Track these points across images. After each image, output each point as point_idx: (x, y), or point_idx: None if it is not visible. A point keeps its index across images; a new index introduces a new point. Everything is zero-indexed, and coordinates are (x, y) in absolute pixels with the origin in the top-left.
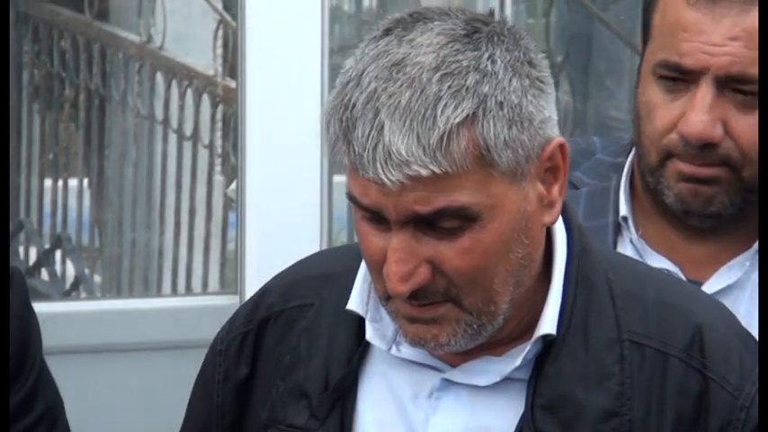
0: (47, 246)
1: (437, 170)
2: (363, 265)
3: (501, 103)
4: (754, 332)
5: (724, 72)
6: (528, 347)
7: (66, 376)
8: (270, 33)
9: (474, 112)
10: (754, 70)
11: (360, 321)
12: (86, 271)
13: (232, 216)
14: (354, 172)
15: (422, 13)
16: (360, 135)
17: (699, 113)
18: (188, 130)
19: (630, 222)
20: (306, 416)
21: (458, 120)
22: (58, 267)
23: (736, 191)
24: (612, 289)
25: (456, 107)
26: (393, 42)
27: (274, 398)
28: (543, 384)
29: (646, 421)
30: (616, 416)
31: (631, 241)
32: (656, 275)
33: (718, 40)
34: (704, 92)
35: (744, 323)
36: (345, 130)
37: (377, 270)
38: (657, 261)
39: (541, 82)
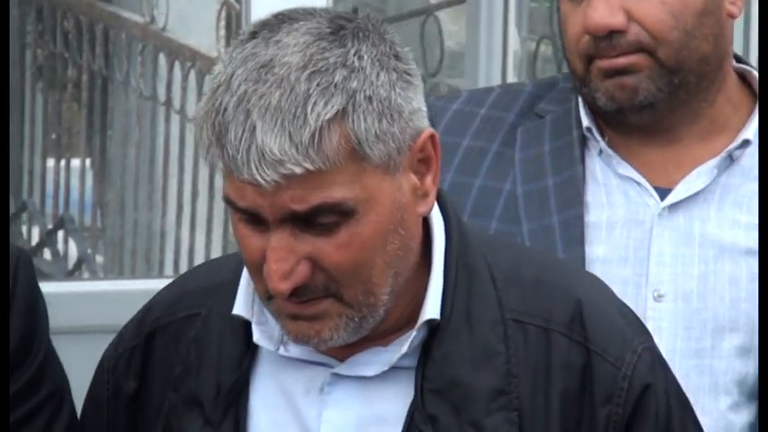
0: (49, 226)
1: (311, 167)
2: (246, 271)
3: (370, 98)
4: (725, 238)
5: None
6: (413, 334)
7: (68, 356)
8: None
9: (344, 108)
10: None
11: (247, 326)
12: (89, 251)
13: None
14: (230, 175)
15: (287, 15)
16: (233, 138)
17: (596, 7)
18: (190, 112)
19: (595, 132)
20: (200, 423)
21: (328, 116)
22: (60, 247)
23: (658, 75)
24: (492, 272)
25: (326, 104)
26: (260, 44)
27: (167, 410)
28: (431, 369)
29: (533, 397)
30: (504, 394)
31: (600, 152)
32: (532, 255)
33: None
34: None
35: (713, 225)
36: (218, 135)
37: (256, 271)
38: (624, 169)
39: (408, 74)
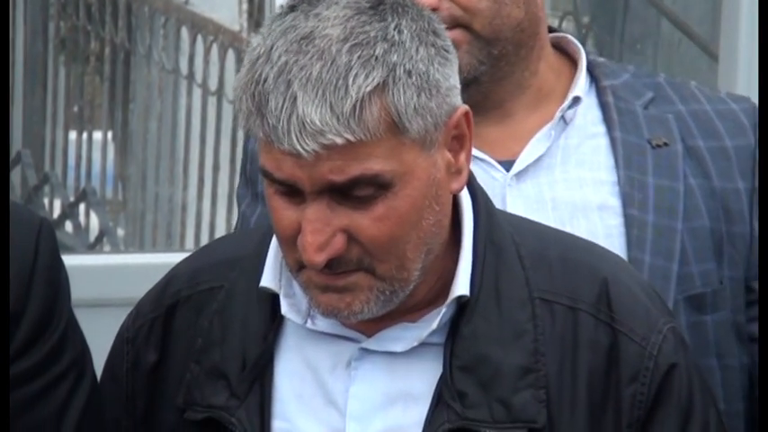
0: (71, 198)
1: (351, 138)
2: (274, 243)
3: (409, 72)
4: (576, 197)
5: None
6: (443, 311)
7: (89, 329)
8: None
9: (384, 81)
10: None
11: (273, 299)
12: (110, 224)
13: None
14: (269, 146)
15: None
16: (273, 108)
17: None
18: (213, 86)
19: None
20: (226, 395)
21: (369, 88)
22: (82, 220)
23: (477, 48)
24: (519, 251)
25: (367, 76)
26: (300, 17)
27: (189, 381)
28: (460, 346)
29: (560, 375)
30: (532, 372)
31: None
32: (557, 235)
33: None
34: None
35: (562, 187)
36: (258, 104)
37: (288, 243)
38: None
39: (446, 51)
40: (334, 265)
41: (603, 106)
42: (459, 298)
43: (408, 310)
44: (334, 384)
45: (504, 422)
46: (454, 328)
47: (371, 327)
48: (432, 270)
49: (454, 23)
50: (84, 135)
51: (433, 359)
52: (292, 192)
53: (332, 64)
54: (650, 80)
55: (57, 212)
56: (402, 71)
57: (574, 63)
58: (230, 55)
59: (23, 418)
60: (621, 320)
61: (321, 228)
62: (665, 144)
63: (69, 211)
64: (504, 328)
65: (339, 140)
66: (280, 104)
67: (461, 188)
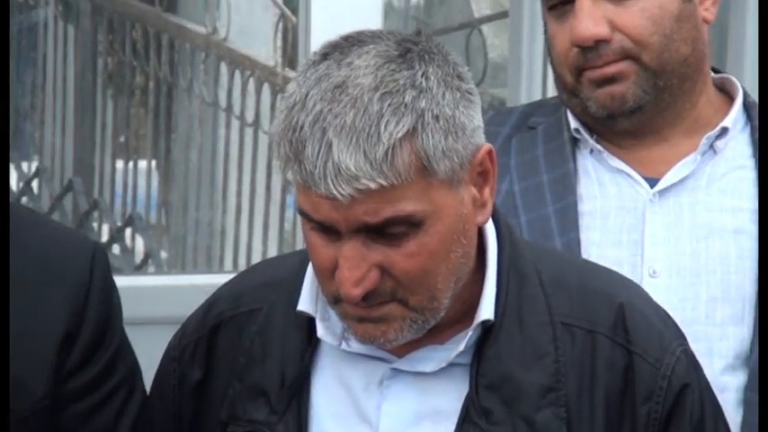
0: (119, 223)
1: (384, 182)
2: (310, 269)
3: (437, 117)
4: (714, 220)
5: None
6: (469, 334)
7: (134, 346)
8: (330, 28)
9: (414, 127)
10: None
11: (309, 321)
12: (154, 247)
13: (289, 198)
14: (306, 189)
15: (355, 37)
16: (310, 154)
17: (581, 20)
18: (249, 117)
19: (584, 132)
20: (266, 412)
21: (400, 134)
22: (128, 243)
23: (644, 78)
24: (541, 277)
25: (397, 123)
26: (333, 66)
27: (232, 397)
28: (485, 366)
29: (579, 394)
30: (553, 391)
31: (591, 151)
32: (576, 262)
33: None
34: (581, 1)
35: (702, 209)
36: (296, 151)
37: (326, 276)
38: (615, 162)
39: (470, 93)
40: (369, 298)
41: (755, 143)
42: (484, 322)
43: (435, 331)
44: (367, 402)
45: None
46: (479, 349)
47: (402, 348)
48: (458, 295)
49: (624, 55)
50: (130, 164)
51: (459, 379)
52: (328, 230)
53: (364, 112)
54: None
55: (105, 236)
56: (430, 116)
57: (733, 101)
58: (266, 88)
59: (80, 430)
60: (637, 343)
61: (357, 264)
62: None
63: (117, 235)
64: (526, 350)
65: (373, 185)
66: (316, 151)
67: (486, 220)
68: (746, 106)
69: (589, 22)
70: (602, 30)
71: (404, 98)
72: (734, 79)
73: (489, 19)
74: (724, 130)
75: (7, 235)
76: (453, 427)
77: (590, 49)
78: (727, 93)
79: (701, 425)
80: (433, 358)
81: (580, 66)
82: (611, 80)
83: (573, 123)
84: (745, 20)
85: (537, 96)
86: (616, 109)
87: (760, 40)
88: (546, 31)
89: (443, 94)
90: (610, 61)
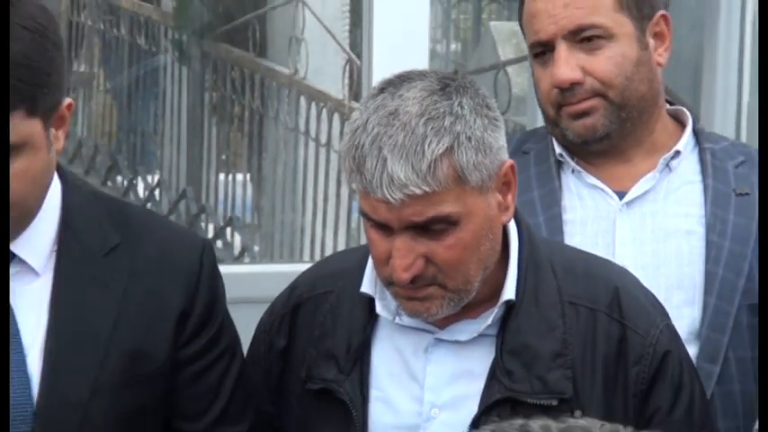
0: (221, 223)
1: (427, 189)
2: (370, 260)
3: (470, 138)
4: (670, 225)
5: (567, 30)
6: (495, 311)
7: (234, 320)
8: (386, 68)
9: (451, 145)
10: (587, 21)
11: (370, 301)
12: (249, 242)
13: (354, 203)
14: (366, 195)
15: (405, 75)
16: (369, 167)
17: (559, 66)
18: (323, 140)
19: (566, 156)
20: (335, 372)
21: (440, 151)
22: (228, 239)
23: (610, 112)
24: (553, 266)
25: (438, 142)
26: (387, 98)
27: (309, 361)
28: (508, 336)
29: (583, 359)
30: (561, 356)
31: (572, 171)
32: (580, 254)
33: (555, 11)
34: (559, 50)
35: (661, 216)
36: (358, 165)
37: (382, 264)
38: (591, 179)
39: (496, 120)
40: (415, 281)
41: (702, 162)
42: (507, 301)
43: (467, 309)
44: (415, 364)
45: (541, 393)
46: (503, 323)
47: (442, 322)
48: (487, 279)
49: (594, 94)
50: (230, 176)
51: (487, 346)
52: (384, 227)
53: (412, 134)
54: (744, 149)
55: (210, 234)
56: (464, 137)
57: (684, 128)
58: (336, 117)
59: (193, 387)
60: (629, 319)
61: (406, 254)
62: (747, 194)
63: (219, 233)
64: (540, 324)
65: (418, 191)
66: (374, 165)
67: (509, 220)
68: (695, 132)
69: (566, 68)
70: (576, 74)
71: (443, 123)
72: (686, 110)
73: (512, 62)
74: (677, 153)
75: (7, 235)
76: (483, 384)
77: (567, 89)
78: (679, 121)
79: (680, 383)
80: (467, 330)
81: (559, 102)
82: (584, 114)
83: (557, 149)
84: (716, 62)
85: None
86: (589, 137)
87: (760, 40)
88: (533, 75)
89: (475, 120)
90: (582, 99)
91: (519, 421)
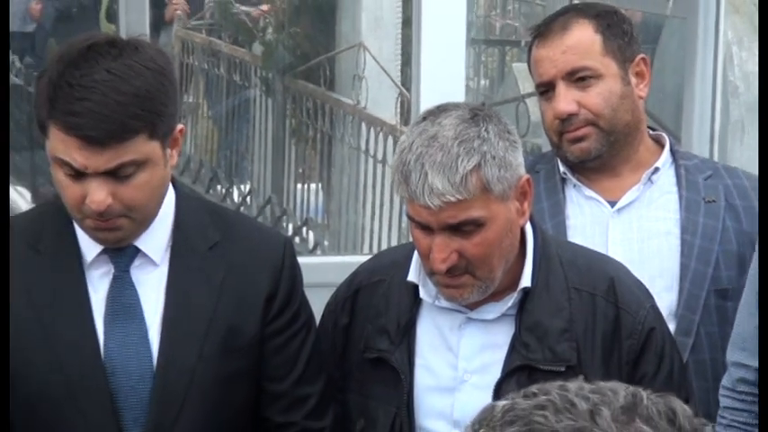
0: (299, 223)
1: (460, 197)
2: (416, 254)
3: (494, 156)
4: (652, 227)
5: (564, 72)
6: (515, 296)
7: (310, 301)
8: (430, 101)
9: (479, 163)
10: (580, 64)
11: (415, 287)
12: (321, 239)
13: (404, 208)
14: (411, 202)
15: (443, 107)
16: (413, 180)
17: (559, 101)
18: (379, 157)
19: (569, 174)
20: (387, 343)
21: (470, 167)
22: (305, 236)
23: (601, 137)
24: (561, 259)
25: (468, 160)
26: (428, 124)
27: (366, 335)
28: (525, 316)
29: (585, 334)
30: (567, 331)
31: (573, 186)
32: (583, 249)
33: (555, 57)
34: (559, 89)
35: (645, 220)
36: (405, 178)
37: (425, 257)
38: (588, 192)
39: (515, 142)
40: (450, 272)
41: (678, 176)
42: (524, 288)
43: (493, 294)
44: (451, 338)
45: (552, 361)
46: (521, 305)
47: (473, 304)
48: (507, 271)
49: (587, 123)
50: (306, 186)
51: (509, 324)
52: (426, 228)
53: (448, 153)
54: (712, 164)
55: (290, 232)
56: (489, 156)
57: (663, 148)
58: (389, 139)
59: (277, 356)
60: (622, 302)
61: (443, 249)
62: (714, 201)
63: (297, 231)
64: (551, 306)
65: (453, 199)
66: (417, 178)
67: (525, 223)
68: (672, 151)
69: (564, 103)
70: (572, 108)
71: (473, 145)
72: (664, 134)
73: (531, 95)
74: (657, 169)
75: (7, 235)
76: (505, 354)
77: (566, 119)
78: (659, 142)
79: (663, 354)
80: (492, 311)
81: (560, 130)
82: (580, 139)
83: (562, 168)
84: (694, 95)
85: None
86: (585, 157)
87: (760, 39)
88: (540, 108)
89: (498, 142)
90: (578, 127)
91: (558, 382)
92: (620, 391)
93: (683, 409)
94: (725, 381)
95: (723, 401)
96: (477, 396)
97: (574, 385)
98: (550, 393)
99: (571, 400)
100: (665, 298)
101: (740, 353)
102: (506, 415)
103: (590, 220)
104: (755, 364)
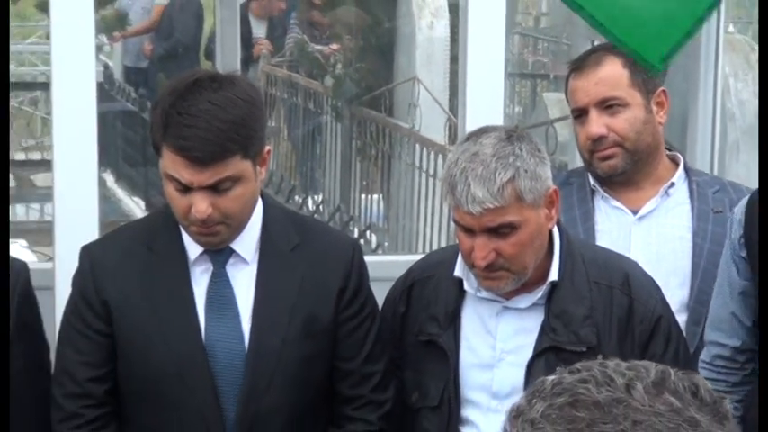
0: (363, 228)
1: (497, 204)
2: (461, 254)
3: (526, 170)
4: (668, 233)
5: (597, 101)
6: (544, 288)
7: (374, 294)
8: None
9: (513, 175)
10: (609, 94)
11: (460, 281)
12: (382, 240)
13: (451, 214)
14: (457, 208)
15: (484, 129)
16: (459, 191)
17: (591, 125)
18: (431, 172)
19: (597, 186)
20: (437, 328)
21: (506, 180)
22: (368, 238)
23: (627, 156)
24: (583, 257)
25: (505, 173)
26: (471, 144)
27: (420, 322)
28: (552, 305)
29: (603, 320)
30: (589, 318)
31: (601, 197)
32: (601, 250)
33: (588, 88)
34: (591, 115)
35: (662, 228)
36: (451, 188)
37: (467, 255)
38: (614, 203)
39: (544, 159)
40: (489, 268)
41: (690, 191)
42: (552, 281)
43: (525, 286)
44: (490, 323)
45: (576, 343)
46: (549, 296)
47: (508, 295)
48: (538, 266)
49: (615, 144)
50: (369, 197)
51: (539, 311)
52: (469, 230)
53: (487, 168)
54: (719, 181)
55: (356, 235)
56: (522, 170)
57: (678, 166)
58: (439, 157)
59: (348, 339)
60: (635, 294)
61: (483, 248)
62: (721, 211)
63: (362, 234)
64: (574, 296)
65: (491, 206)
66: (462, 189)
67: (553, 227)
68: (686, 169)
69: (596, 127)
70: (602, 131)
71: (509, 160)
72: (679, 155)
73: (558, 120)
74: (672, 184)
75: (7, 235)
76: (535, 337)
77: (597, 141)
78: (675, 161)
79: (669, 337)
80: (525, 301)
81: (592, 149)
82: (608, 158)
83: (592, 181)
84: (697, 120)
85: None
86: (612, 173)
87: (760, 39)
88: (574, 131)
89: (530, 159)
90: (607, 147)
91: (598, 360)
92: (652, 368)
93: (704, 384)
94: (703, 356)
95: (702, 373)
96: (512, 372)
97: (612, 363)
98: (592, 369)
99: (610, 375)
100: (679, 293)
101: (716, 332)
102: (555, 388)
103: (615, 226)
104: (730, 342)
